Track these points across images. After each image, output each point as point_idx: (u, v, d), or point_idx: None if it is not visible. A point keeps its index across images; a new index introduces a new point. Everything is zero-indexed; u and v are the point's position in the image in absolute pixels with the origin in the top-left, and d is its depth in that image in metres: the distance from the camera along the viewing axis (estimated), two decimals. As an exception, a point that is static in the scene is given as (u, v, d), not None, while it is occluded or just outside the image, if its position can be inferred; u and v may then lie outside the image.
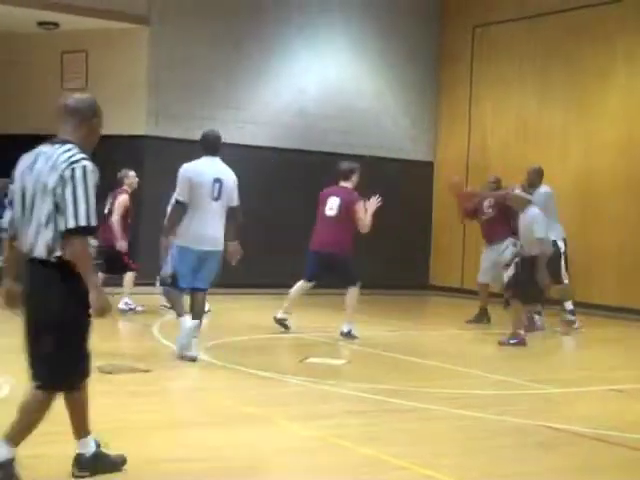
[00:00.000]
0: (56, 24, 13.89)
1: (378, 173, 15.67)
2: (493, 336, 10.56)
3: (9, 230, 4.15)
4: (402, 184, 15.74)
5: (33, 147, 4.16)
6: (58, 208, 3.92)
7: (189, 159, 7.89)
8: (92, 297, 3.94)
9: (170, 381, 6.88)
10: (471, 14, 15.74)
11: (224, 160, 7.73)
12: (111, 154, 11.51)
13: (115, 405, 5.89)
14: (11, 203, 4.12)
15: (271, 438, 5.08)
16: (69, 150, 3.99)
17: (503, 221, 11.14)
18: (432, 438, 5.51)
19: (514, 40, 15.08)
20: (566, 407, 6.77)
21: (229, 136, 14.66)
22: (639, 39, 13.35)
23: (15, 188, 4.09)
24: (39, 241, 3.97)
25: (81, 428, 4.29)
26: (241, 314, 11.66)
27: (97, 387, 6.38)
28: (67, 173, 3.92)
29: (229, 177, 7.79)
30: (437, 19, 16.33)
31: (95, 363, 7.08)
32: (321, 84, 15.18)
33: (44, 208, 3.96)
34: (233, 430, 5.37)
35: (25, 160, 4.11)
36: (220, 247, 7.75)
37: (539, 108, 14.81)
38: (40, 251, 3.98)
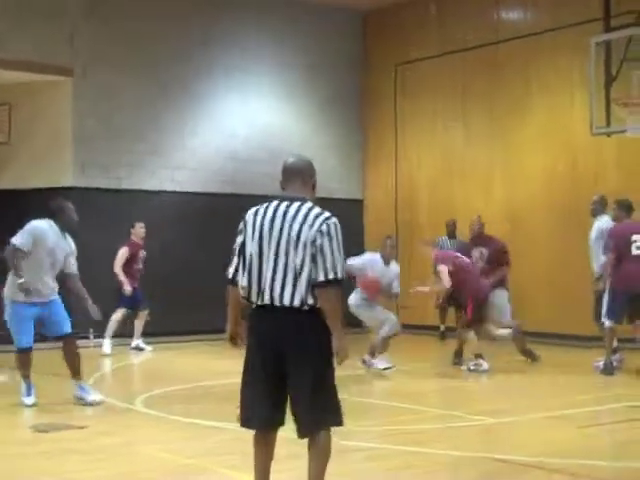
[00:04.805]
0: (-23, 77, 13.69)
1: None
2: (430, 370, 10.63)
3: (233, 278, 4.33)
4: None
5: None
6: (313, 260, 4.16)
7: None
8: (335, 343, 4.21)
9: (107, 436, 6.72)
10: (392, 52, 16.01)
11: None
12: (38, 207, 11.35)
13: (54, 465, 5.74)
14: (238, 253, 4.32)
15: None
16: (314, 207, 4.36)
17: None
18: (377, 478, 5.49)
19: (435, 76, 15.38)
20: (506, 437, 6.83)
21: (158, 183, 14.62)
22: (552, 71, 13.74)
23: (247, 240, 4.27)
24: (287, 290, 4.17)
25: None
26: (174, 363, 11.52)
27: (34, 447, 6.25)
28: (324, 228, 4.26)
29: None
30: (360, 59, 16.58)
31: (28, 422, 6.97)
32: (249, 128, 15.23)
33: (292, 260, 4.18)
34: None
35: (259, 215, 4.31)
36: None
37: (463, 143, 15.10)
38: (289, 300, 4.17)
